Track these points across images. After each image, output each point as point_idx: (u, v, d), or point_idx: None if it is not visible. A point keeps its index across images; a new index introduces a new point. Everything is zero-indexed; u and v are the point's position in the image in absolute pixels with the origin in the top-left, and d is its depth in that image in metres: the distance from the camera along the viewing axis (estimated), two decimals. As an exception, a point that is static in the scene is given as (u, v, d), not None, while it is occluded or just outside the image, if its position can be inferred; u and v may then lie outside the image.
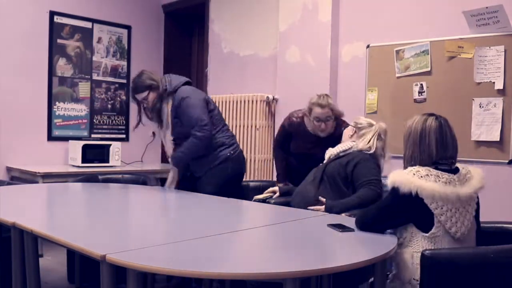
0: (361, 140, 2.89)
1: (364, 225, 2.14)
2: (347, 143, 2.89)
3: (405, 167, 2.12)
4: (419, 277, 1.83)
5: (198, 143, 3.12)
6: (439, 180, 2.02)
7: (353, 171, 2.73)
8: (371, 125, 2.95)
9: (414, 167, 2.07)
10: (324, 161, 2.93)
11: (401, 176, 2.02)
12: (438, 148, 2.08)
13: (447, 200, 2.00)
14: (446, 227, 2.01)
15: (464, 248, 1.93)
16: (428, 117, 2.14)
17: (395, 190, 2.00)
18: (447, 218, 2.01)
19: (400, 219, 2.08)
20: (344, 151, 2.85)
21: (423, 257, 1.72)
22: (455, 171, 2.10)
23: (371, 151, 2.81)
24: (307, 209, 2.71)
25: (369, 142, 2.86)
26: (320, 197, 2.78)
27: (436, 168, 2.06)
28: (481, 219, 2.46)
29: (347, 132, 2.99)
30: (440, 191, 1.98)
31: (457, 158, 2.14)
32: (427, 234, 2.02)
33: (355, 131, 2.94)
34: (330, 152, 2.92)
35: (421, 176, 2.02)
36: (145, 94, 3.21)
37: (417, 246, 2.03)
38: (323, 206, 2.70)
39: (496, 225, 2.29)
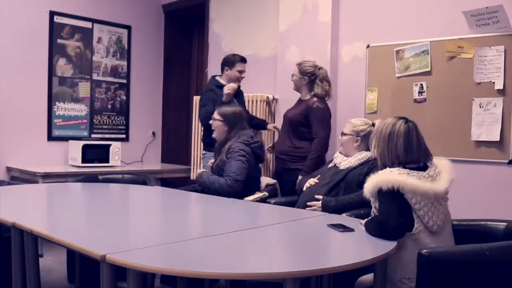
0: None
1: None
2: (365, 154, 2.86)
3: (381, 164, 2.21)
4: (414, 275, 1.84)
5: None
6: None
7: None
8: (370, 125, 2.93)
9: (386, 168, 2.14)
10: (340, 168, 2.89)
11: (380, 176, 2.08)
12: (403, 151, 2.15)
13: (426, 195, 2.05)
14: (424, 221, 2.06)
15: (459, 246, 1.94)
16: (398, 120, 2.21)
17: (381, 192, 2.05)
18: (424, 212, 2.06)
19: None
20: (364, 162, 2.84)
21: (420, 256, 1.73)
22: (424, 168, 2.16)
23: None
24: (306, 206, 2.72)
25: None
26: (316, 195, 2.79)
27: (404, 167, 2.13)
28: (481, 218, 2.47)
29: (350, 142, 2.92)
30: (419, 186, 2.03)
31: (428, 157, 2.20)
32: (412, 232, 2.05)
33: (361, 140, 2.90)
34: (349, 164, 2.87)
35: (399, 174, 2.07)
36: None
37: (410, 245, 2.05)
38: (320, 202, 2.72)
39: (483, 223, 2.29)
